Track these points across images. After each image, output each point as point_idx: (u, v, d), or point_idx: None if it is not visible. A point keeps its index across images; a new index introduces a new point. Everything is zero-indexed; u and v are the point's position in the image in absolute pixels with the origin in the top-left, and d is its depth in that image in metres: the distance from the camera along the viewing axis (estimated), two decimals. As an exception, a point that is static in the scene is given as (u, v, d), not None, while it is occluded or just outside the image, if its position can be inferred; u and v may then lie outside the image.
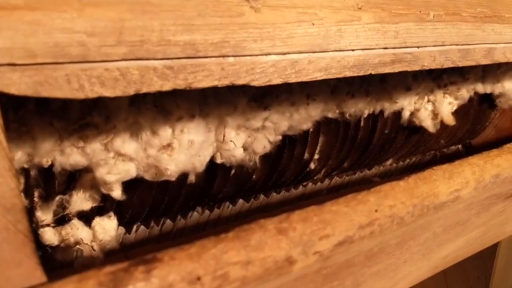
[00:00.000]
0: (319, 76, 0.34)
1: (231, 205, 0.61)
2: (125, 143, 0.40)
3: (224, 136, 0.47)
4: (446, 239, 0.46)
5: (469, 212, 0.45)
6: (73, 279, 0.23)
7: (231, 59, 0.29)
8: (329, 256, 0.30)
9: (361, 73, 0.36)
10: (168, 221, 0.57)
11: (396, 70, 0.38)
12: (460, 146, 0.92)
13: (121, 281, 0.23)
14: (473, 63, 0.44)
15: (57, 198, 0.42)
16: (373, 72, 0.37)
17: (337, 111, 0.57)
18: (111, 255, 0.45)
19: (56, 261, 0.44)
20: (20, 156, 0.37)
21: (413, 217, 0.35)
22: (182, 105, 0.42)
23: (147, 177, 0.43)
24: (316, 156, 0.60)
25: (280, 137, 0.52)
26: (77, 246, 0.44)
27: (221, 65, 0.29)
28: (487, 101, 0.77)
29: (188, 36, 0.27)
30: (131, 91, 0.26)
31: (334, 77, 0.34)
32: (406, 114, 0.64)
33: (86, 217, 0.43)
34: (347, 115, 0.58)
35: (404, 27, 0.38)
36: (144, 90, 0.26)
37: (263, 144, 0.51)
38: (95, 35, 0.24)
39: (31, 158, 0.38)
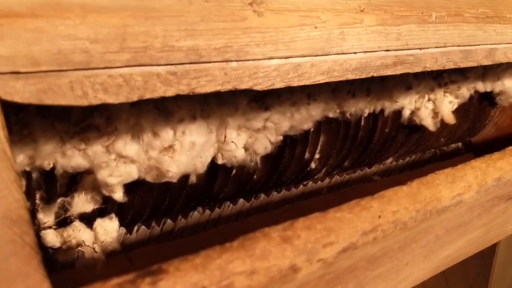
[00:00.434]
0: (321, 79, 0.34)
1: (231, 205, 0.62)
2: (127, 145, 0.40)
3: (225, 137, 0.47)
4: (448, 240, 0.46)
5: (471, 214, 0.45)
6: (81, 290, 0.23)
7: (234, 64, 0.29)
8: (332, 263, 0.30)
9: (363, 76, 0.36)
10: (169, 221, 0.57)
11: (398, 72, 0.38)
12: (460, 144, 0.93)
13: (128, 293, 0.23)
14: (474, 64, 0.44)
15: (59, 200, 0.42)
16: (375, 75, 0.36)
17: (338, 110, 0.57)
18: (112, 256, 0.45)
19: (58, 262, 0.44)
20: (22, 159, 0.36)
21: (416, 222, 0.35)
22: (184, 106, 0.42)
23: (149, 179, 0.43)
24: (317, 156, 0.60)
25: (281, 137, 0.52)
26: (79, 248, 0.44)
27: (224, 70, 0.29)
28: (487, 99, 0.77)
29: (191, 41, 0.27)
30: (134, 97, 0.26)
31: (337, 80, 0.34)
32: (406, 113, 0.64)
33: (88, 219, 0.43)
34: (347, 115, 0.58)
35: (406, 29, 0.38)
36: (148, 96, 0.26)
37: (264, 144, 0.51)
38: (98, 41, 0.24)
39: (33, 161, 0.38)
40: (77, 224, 0.43)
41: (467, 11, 0.43)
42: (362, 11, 0.35)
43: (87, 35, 0.23)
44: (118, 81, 0.25)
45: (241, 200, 0.62)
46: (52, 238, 0.42)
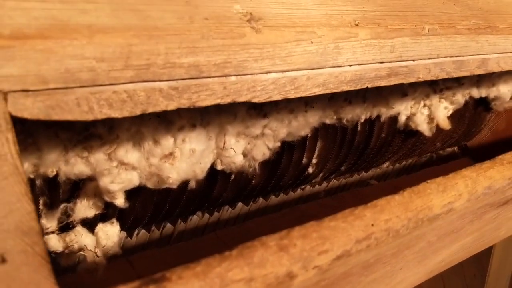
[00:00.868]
0: (317, 91, 0.35)
1: (230, 209, 0.62)
2: (128, 153, 0.41)
3: (224, 144, 0.48)
4: (440, 246, 0.47)
5: (462, 221, 0.46)
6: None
7: (233, 78, 0.30)
8: (327, 270, 0.31)
9: (358, 87, 0.37)
10: (169, 225, 0.58)
11: (392, 83, 0.39)
12: (456, 148, 0.94)
13: (133, 301, 0.24)
14: (467, 74, 0.46)
15: (62, 206, 0.43)
16: (369, 86, 0.38)
17: (335, 117, 0.58)
18: (113, 260, 0.46)
19: (60, 266, 0.45)
20: (26, 167, 0.37)
21: (408, 230, 0.36)
22: (184, 115, 0.42)
23: (149, 185, 0.44)
24: (314, 161, 0.61)
25: (279, 144, 0.53)
26: (81, 252, 0.44)
27: (223, 84, 0.30)
28: (483, 104, 0.78)
29: (192, 58, 0.28)
30: (137, 112, 0.27)
31: (332, 91, 0.35)
32: (402, 118, 0.65)
33: (90, 224, 0.44)
34: (344, 121, 0.59)
35: (400, 41, 0.39)
36: (150, 110, 0.27)
37: (262, 150, 0.52)
38: (104, 60, 0.25)
39: (37, 169, 0.38)
40: (79, 229, 0.44)
41: (460, 23, 0.44)
42: (357, 25, 0.36)
43: (94, 54, 0.24)
44: (122, 97, 0.26)
45: (240, 204, 0.63)
46: (54, 243, 0.43)
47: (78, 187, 0.43)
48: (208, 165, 0.47)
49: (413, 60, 0.40)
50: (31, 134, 0.37)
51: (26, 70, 0.22)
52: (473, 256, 0.64)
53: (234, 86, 0.30)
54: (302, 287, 0.31)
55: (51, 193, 0.42)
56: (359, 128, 0.62)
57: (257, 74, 0.31)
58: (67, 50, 0.23)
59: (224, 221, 0.63)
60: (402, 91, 0.61)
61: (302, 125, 0.53)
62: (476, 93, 0.71)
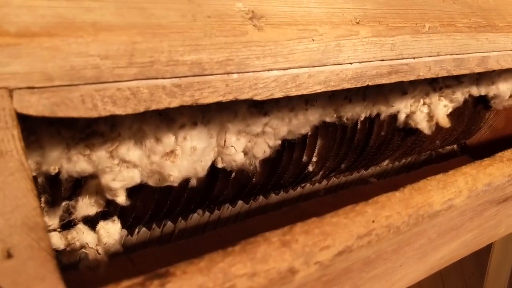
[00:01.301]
0: (318, 89, 0.35)
1: (231, 207, 0.63)
2: (130, 151, 0.41)
3: (225, 142, 0.48)
4: (441, 243, 0.47)
5: (462, 218, 0.46)
6: (94, 293, 0.24)
7: (235, 76, 0.30)
8: (329, 265, 0.32)
9: (359, 85, 0.37)
10: (169, 223, 0.58)
11: (393, 81, 0.39)
12: (455, 146, 0.94)
13: (138, 295, 0.25)
14: (467, 72, 0.46)
15: (63, 203, 0.43)
16: (370, 83, 0.38)
17: (335, 115, 0.58)
18: (114, 257, 0.46)
19: (62, 264, 0.45)
20: (31, 169, 0.37)
21: (409, 226, 0.36)
22: (185, 113, 0.43)
23: (151, 183, 0.44)
24: (314, 159, 0.61)
25: (279, 142, 0.53)
26: (83, 250, 0.45)
27: (225, 81, 0.30)
28: (482, 102, 0.78)
29: (195, 55, 0.28)
30: (141, 109, 0.27)
31: (333, 89, 0.36)
32: (402, 116, 0.65)
33: (91, 222, 0.44)
34: (344, 119, 0.60)
35: (401, 39, 0.39)
36: (154, 107, 0.27)
37: (263, 148, 0.52)
38: (108, 57, 0.25)
39: (39, 166, 0.39)
40: (81, 226, 0.44)
41: (460, 21, 0.44)
42: (358, 23, 0.37)
43: (98, 52, 0.25)
44: (126, 94, 0.26)
45: (240, 202, 0.63)
46: (56, 240, 0.43)
47: (80, 184, 0.43)
48: (209, 163, 0.47)
49: (414, 58, 0.40)
50: (33, 131, 0.37)
51: (32, 68, 0.23)
52: (472, 254, 0.64)
53: (236, 84, 0.31)
54: (303, 283, 0.32)
55: (53, 191, 0.42)
56: (359, 126, 0.62)
57: (259, 71, 0.31)
58: (72, 47, 0.24)
59: (225, 219, 0.63)
60: (402, 89, 0.61)
61: (302, 123, 0.53)
62: (475, 91, 0.72)
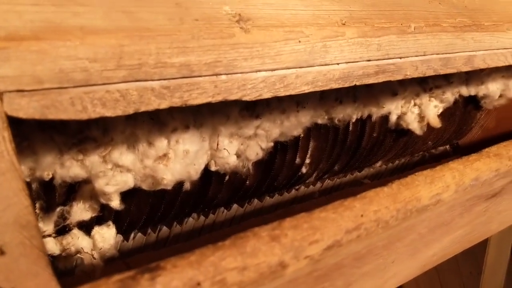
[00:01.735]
0: (306, 89, 0.36)
1: (225, 210, 0.63)
2: (123, 155, 0.41)
3: (217, 145, 0.48)
4: (432, 239, 0.48)
5: (452, 213, 0.47)
6: (85, 287, 0.25)
7: (223, 77, 0.31)
8: (319, 260, 0.32)
9: (346, 85, 0.38)
10: (165, 228, 0.58)
11: (380, 81, 0.40)
12: (448, 146, 0.95)
13: (129, 288, 0.25)
14: (454, 71, 0.46)
15: (58, 209, 0.43)
16: (357, 83, 0.38)
17: (326, 117, 0.59)
18: (110, 262, 0.46)
19: (58, 269, 0.45)
20: (22, 170, 0.38)
21: (397, 221, 0.37)
22: (177, 117, 0.43)
23: (144, 186, 0.44)
24: (307, 161, 0.62)
25: (272, 144, 0.54)
26: (78, 255, 0.45)
27: (214, 83, 0.31)
28: (473, 102, 0.79)
29: (183, 57, 0.29)
30: (130, 110, 0.27)
31: (321, 89, 0.36)
32: (393, 117, 0.66)
33: (86, 227, 0.45)
34: (336, 121, 0.60)
35: (387, 39, 0.40)
36: (143, 109, 0.28)
37: (255, 151, 0.52)
38: (97, 60, 0.26)
39: (33, 172, 0.39)
40: (76, 232, 0.44)
41: (445, 21, 0.45)
42: (344, 24, 0.37)
43: (87, 55, 0.25)
44: (115, 96, 0.27)
45: (235, 206, 0.63)
46: (52, 246, 0.44)
47: (74, 190, 0.43)
48: (202, 166, 0.48)
49: (400, 58, 0.41)
50: (26, 137, 0.37)
51: (21, 71, 0.23)
52: (469, 254, 0.64)
53: (225, 85, 0.31)
54: (294, 277, 0.32)
55: (47, 197, 0.42)
56: (350, 128, 0.63)
57: (247, 72, 0.32)
58: (61, 51, 0.24)
59: (220, 223, 0.64)
60: (392, 90, 0.62)
61: (294, 125, 0.54)
62: (465, 91, 0.72)
